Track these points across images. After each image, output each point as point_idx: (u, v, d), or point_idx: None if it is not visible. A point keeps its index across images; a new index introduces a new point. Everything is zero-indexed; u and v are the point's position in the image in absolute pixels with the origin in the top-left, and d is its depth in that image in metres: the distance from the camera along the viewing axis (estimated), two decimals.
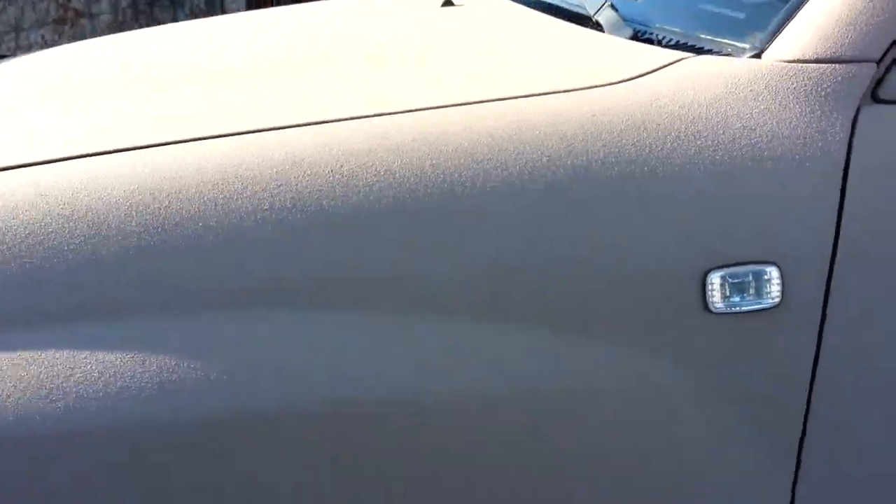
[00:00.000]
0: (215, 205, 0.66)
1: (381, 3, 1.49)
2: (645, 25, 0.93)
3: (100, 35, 6.59)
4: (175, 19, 8.55)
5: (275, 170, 0.67)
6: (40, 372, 0.63)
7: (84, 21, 6.57)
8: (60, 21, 6.15)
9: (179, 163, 0.69)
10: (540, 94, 0.73)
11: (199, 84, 0.91)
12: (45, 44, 5.93)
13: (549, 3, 1.22)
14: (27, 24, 5.69)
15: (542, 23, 1.05)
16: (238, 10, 10.68)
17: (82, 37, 6.48)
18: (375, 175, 0.67)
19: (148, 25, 7.70)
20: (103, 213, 0.66)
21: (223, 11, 9.99)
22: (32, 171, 0.70)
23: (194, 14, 9.21)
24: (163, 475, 0.64)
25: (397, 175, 0.67)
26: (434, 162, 0.68)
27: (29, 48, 5.71)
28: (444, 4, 1.23)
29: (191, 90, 0.89)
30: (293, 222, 0.66)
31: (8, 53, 5.54)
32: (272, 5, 7.53)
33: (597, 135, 0.69)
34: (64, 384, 0.63)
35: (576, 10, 1.11)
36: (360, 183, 0.67)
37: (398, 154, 0.69)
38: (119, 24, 7.19)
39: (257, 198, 0.66)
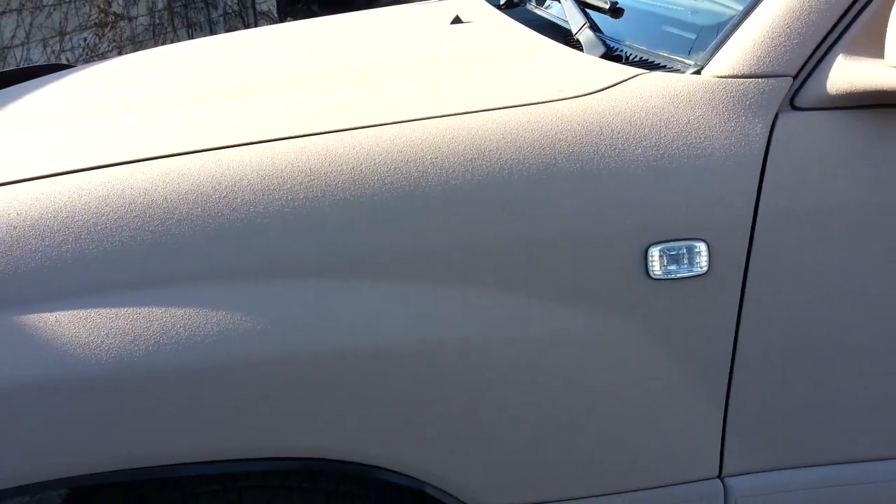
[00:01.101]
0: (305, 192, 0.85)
1: (400, 17, 1.67)
2: (616, 43, 1.10)
3: (139, 36, 6.83)
4: (209, 20, 8.83)
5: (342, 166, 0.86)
6: (172, 320, 0.83)
7: (123, 24, 6.83)
8: (102, 24, 6.41)
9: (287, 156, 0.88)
10: (521, 105, 0.91)
11: (265, 93, 1.10)
12: (88, 46, 6.19)
13: (544, 21, 1.40)
14: (70, 27, 5.96)
15: (534, 41, 1.22)
16: (269, 9, 10.92)
17: (122, 39, 6.75)
18: (401, 166, 0.86)
19: (183, 27, 7.97)
20: (223, 199, 0.85)
21: (254, 11, 10.24)
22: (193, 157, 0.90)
23: (227, 15, 9.48)
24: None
25: (411, 166, 0.86)
26: (434, 158, 0.87)
27: (72, 50, 5.98)
28: (454, 21, 1.41)
29: (274, 98, 1.07)
30: (349, 209, 0.85)
31: (70, 62, 5.82)
32: (302, 4, 7.74)
33: (563, 137, 0.87)
34: (183, 329, 0.83)
35: (563, 26, 1.28)
36: (392, 176, 0.85)
37: (409, 153, 0.87)
38: (156, 26, 7.47)
39: (337, 188, 0.85)
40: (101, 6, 6.44)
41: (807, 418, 0.92)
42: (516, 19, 1.44)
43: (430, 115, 0.91)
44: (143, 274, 0.85)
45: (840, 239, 0.86)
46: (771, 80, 0.87)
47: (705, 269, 0.85)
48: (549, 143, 0.86)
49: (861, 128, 0.86)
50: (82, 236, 0.86)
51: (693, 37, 0.99)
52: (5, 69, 2.03)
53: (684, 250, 0.85)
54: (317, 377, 0.85)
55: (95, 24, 6.30)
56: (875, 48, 0.84)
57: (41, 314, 0.85)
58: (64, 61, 5.84)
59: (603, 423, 0.90)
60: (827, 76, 0.85)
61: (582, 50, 1.10)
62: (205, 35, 8.68)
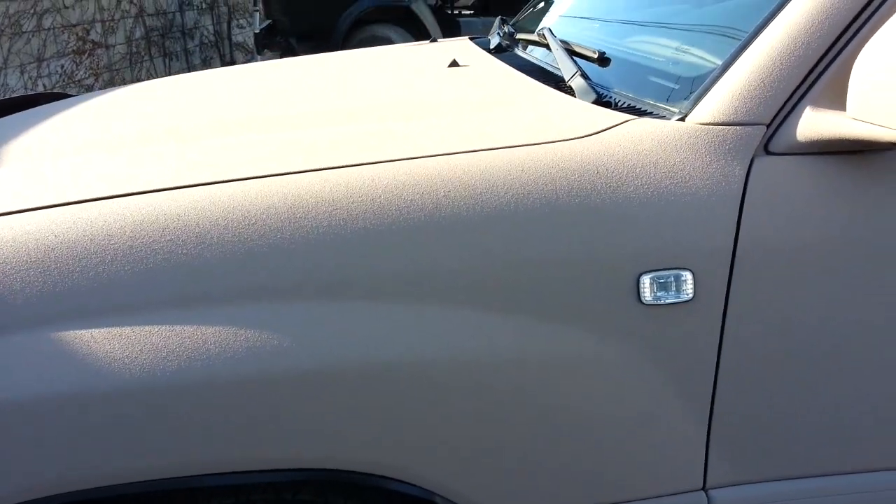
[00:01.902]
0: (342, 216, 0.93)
1: (398, 59, 1.76)
2: (605, 90, 1.21)
3: (116, 64, 6.86)
4: (185, 50, 8.89)
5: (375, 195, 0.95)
6: (203, 337, 0.89)
7: (100, 52, 6.87)
8: (79, 52, 6.44)
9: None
10: (524, 145, 1.00)
11: (287, 126, 1.18)
12: (65, 73, 6.21)
13: (538, 67, 1.51)
14: (49, 54, 5.98)
15: (529, 85, 1.32)
16: (244, 40, 10.98)
17: (99, 66, 6.77)
18: (417, 198, 0.94)
19: (159, 56, 8.02)
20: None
21: (230, 42, 10.32)
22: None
23: (203, 45, 9.55)
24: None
25: (431, 199, 0.94)
26: (446, 192, 0.95)
27: (49, 77, 5.99)
28: (451, 65, 1.51)
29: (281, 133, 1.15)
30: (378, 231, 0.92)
31: (48, 88, 5.82)
32: (280, 38, 7.85)
33: (563, 175, 0.96)
34: (213, 346, 0.89)
35: (558, 74, 1.39)
36: (409, 207, 0.94)
37: (424, 186, 0.95)
38: (132, 55, 7.51)
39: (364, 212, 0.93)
40: (80, 34, 6.47)
41: (785, 432, 1.01)
42: (507, 64, 1.54)
43: (441, 153, 1.00)
44: (175, 294, 0.92)
45: (810, 268, 0.96)
46: (747, 128, 0.97)
47: (691, 295, 0.94)
48: (551, 180, 0.95)
49: (828, 171, 0.96)
50: (118, 258, 0.92)
51: (676, 87, 1.09)
52: (6, 97, 2.08)
53: (672, 278, 0.94)
54: (336, 393, 0.92)
55: (73, 51, 6.33)
56: (838, 101, 0.95)
57: (77, 331, 0.91)
58: (41, 87, 5.85)
59: (596, 437, 0.98)
60: (797, 125, 0.96)
61: (574, 95, 1.20)
62: (181, 64, 8.74)
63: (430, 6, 7.67)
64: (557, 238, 0.94)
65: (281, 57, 8.31)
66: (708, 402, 0.98)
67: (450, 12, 8.13)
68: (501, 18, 2.13)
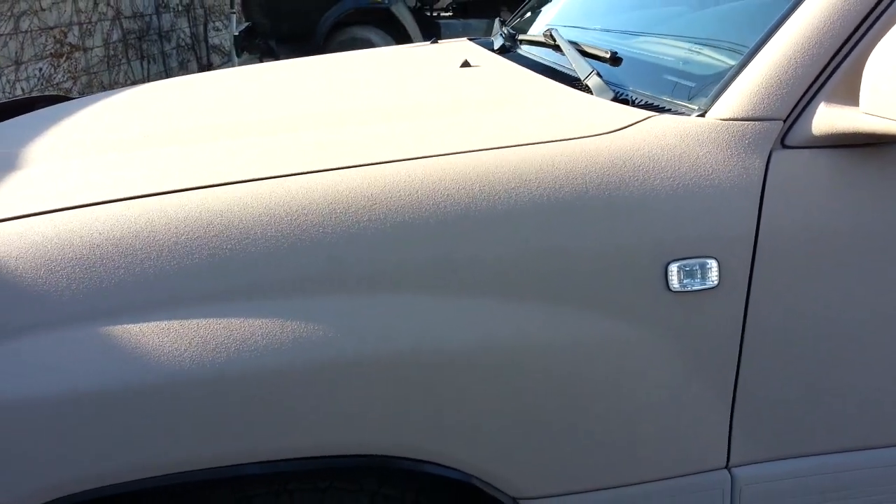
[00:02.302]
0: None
1: (407, 58, 1.79)
2: (621, 88, 1.25)
3: (94, 67, 6.80)
4: (163, 52, 8.82)
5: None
6: (249, 329, 0.92)
7: (78, 54, 6.80)
8: (57, 55, 6.37)
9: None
10: (553, 141, 1.04)
11: (319, 125, 1.20)
12: (43, 77, 6.14)
13: (547, 66, 1.55)
14: (26, 57, 5.91)
15: (545, 84, 1.36)
16: (220, 42, 10.92)
17: (77, 69, 6.71)
18: (453, 193, 0.98)
19: (137, 59, 7.95)
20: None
21: (207, 44, 10.26)
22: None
23: (180, 48, 9.49)
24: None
25: (466, 193, 0.98)
26: (481, 186, 0.99)
27: (27, 80, 5.92)
28: (463, 65, 1.55)
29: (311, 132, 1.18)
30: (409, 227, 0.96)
31: (26, 92, 5.75)
32: (259, 40, 7.83)
33: (593, 169, 1.00)
34: (260, 337, 0.92)
35: (569, 73, 1.43)
36: (446, 201, 0.97)
37: (460, 181, 0.99)
38: (110, 58, 7.44)
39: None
40: (57, 37, 6.40)
41: (805, 412, 1.06)
42: (517, 64, 1.58)
43: (474, 149, 1.03)
44: (221, 287, 0.94)
45: (826, 255, 1.01)
46: (765, 123, 1.02)
47: (716, 282, 0.99)
48: (581, 174, 1.00)
49: (841, 163, 1.01)
50: (163, 254, 0.95)
51: (692, 84, 1.14)
52: (6, 100, 2.07)
53: (698, 266, 0.99)
54: (379, 381, 0.95)
55: (51, 54, 6.26)
56: (852, 97, 1.00)
57: (125, 325, 0.93)
58: (19, 91, 5.78)
59: (625, 419, 1.02)
60: (812, 120, 1.01)
61: (591, 94, 1.25)
62: (158, 67, 8.67)
63: (409, 8, 7.70)
64: (589, 229, 0.98)
65: (260, 59, 8.29)
66: (731, 383, 1.03)
67: (429, 14, 8.18)
68: (500, 20, 2.18)
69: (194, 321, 0.93)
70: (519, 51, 1.82)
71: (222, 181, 1.01)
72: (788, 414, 1.06)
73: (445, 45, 2.11)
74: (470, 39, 2.21)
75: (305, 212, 0.97)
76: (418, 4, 7.91)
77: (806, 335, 1.03)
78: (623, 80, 1.28)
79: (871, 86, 0.92)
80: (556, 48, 1.55)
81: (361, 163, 1.02)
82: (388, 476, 1.12)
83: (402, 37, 7.73)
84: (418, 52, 1.94)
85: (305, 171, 1.01)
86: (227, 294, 0.94)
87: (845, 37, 1.00)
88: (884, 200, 1.01)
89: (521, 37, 1.88)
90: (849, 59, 1.01)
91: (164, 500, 1.10)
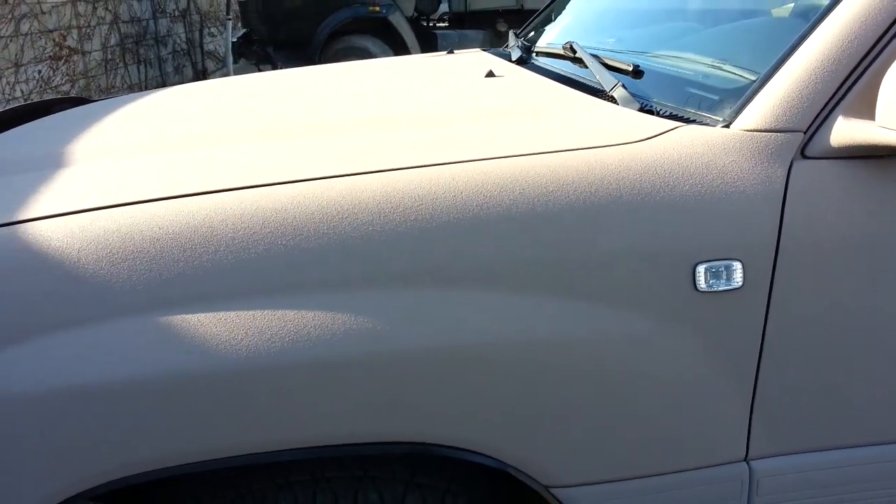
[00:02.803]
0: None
1: (431, 67, 1.85)
2: (645, 100, 1.32)
3: (92, 70, 6.80)
4: (159, 57, 8.84)
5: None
6: (302, 321, 0.96)
7: (77, 58, 6.82)
8: (56, 58, 6.39)
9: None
10: (588, 148, 1.10)
11: (363, 129, 1.26)
12: (42, 79, 6.16)
13: (567, 77, 1.61)
14: (26, 59, 5.93)
15: (569, 94, 1.43)
16: (215, 48, 10.95)
17: (75, 73, 6.72)
18: (495, 195, 1.03)
19: (134, 63, 7.97)
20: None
21: (202, 50, 10.29)
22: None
23: (176, 53, 9.51)
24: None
25: (507, 196, 1.03)
26: (521, 189, 1.04)
27: (27, 82, 5.93)
28: (488, 75, 1.61)
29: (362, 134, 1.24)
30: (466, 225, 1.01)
31: (24, 94, 5.74)
32: (257, 46, 7.87)
33: (626, 175, 1.06)
34: (312, 329, 0.97)
35: (591, 84, 1.49)
36: (488, 203, 1.03)
37: (501, 185, 1.04)
38: (108, 62, 7.46)
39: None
40: (56, 40, 6.42)
41: (822, 408, 1.12)
42: (539, 75, 1.64)
43: (513, 154, 1.09)
44: (275, 281, 0.99)
45: (843, 259, 1.07)
46: (787, 135, 1.09)
47: (741, 283, 1.05)
48: (615, 180, 1.06)
49: (858, 174, 1.08)
50: (221, 248, 1.00)
51: (716, 97, 1.20)
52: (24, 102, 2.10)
53: (724, 268, 1.05)
54: (424, 373, 1.00)
55: (50, 57, 6.28)
56: (868, 111, 1.07)
57: (184, 315, 0.98)
58: (18, 93, 5.79)
59: (652, 412, 1.08)
60: (830, 132, 1.07)
61: (617, 104, 1.31)
62: (154, 72, 8.69)
63: (407, 18, 7.78)
64: (622, 231, 1.04)
65: (257, 66, 8.34)
66: (752, 380, 1.09)
67: (426, 25, 8.26)
68: (514, 32, 2.24)
69: (249, 313, 0.98)
70: (535, 62, 1.88)
71: (275, 181, 1.06)
72: (806, 410, 1.12)
73: (462, 55, 2.17)
74: (483, 50, 2.28)
75: (354, 211, 1.02)
76: (415, 15, 7.99)
77: (824, 335, 1.09)
78: (646, 91, 1.35)
79: (886, 101, 0.99)
80: (577, 60, 1.61)
81: (406, 166, 1.07)
82: (421, 466, 1.17)
83: (398, 46, 7.81)
84: (440, 62, 2.00)
85: (353, 172, 1.07)
86: (279, 288, 0.99)
87: (863, 54, 1.07)
88: None
89: (538, 48, 1.94)
90: (866, 75, 1.07)
91: (207, 487, 1.14)
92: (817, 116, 1.08)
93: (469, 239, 1.02)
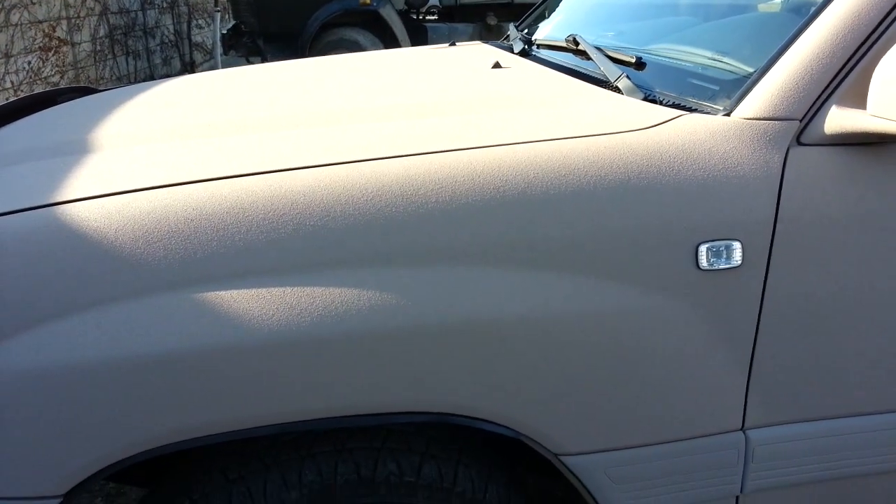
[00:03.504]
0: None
1: (439, 58, 1.91)
2: (649, 90, 1.38)
3: (81, 62, 6.78)
4: (147, 49, 8.82)
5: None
6: (331, 296, 1.02)
7: (66, 49, 6.80)
8: (46, 49, 6.37)
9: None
10: (597, 135, 1.16)
11: (380, 117, 1.31)
12: (32, 70, 6.14)
13: (569, 69, 1.67)
14: (16, 50, 5.91)
15: (576, 84, 1.49)
16: (203, 40, 10.90)
17: (65, 64, 6.70)
18: (511, 178, 1.09)
19: (122, 54, 7.95)
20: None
21: (190, 41, 10.25)
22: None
23: (164, 44, 9.48)
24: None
25: (522, 179, 1.09)
26: (535, 173, 1.10)
27: (17, 73, 5.92)
28: (494, 66, 1.66)
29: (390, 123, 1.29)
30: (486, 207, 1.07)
31: (15, 85, 5.72)
32: (247, 38, 7.87)
33: (633, 160, 1.13)
34: (341, 303, 1.02)
35: (594, 75, 1.56)
36: (504, 186, 1.09)
37: (516, 168, 1.11)
38: (97, 53, 7.44)
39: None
40: (46, 31, 6.40)
41: (816, 379, 1.19)
42: (544, 66, 1.70)
43: (527, 140, 1.15)
44: (303, 259, 1.05)
45: (835, 239, 1.14)
46: (784, 123, 1.15)
47: (740, 262, 1.12)
48: (623, 164, 1.12)
49: (850, 160, 1.15)
50: (251, 228, 1.05)
51: (716, 87, 1.27)
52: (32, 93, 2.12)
53: (724, 248, 1.11)
54: (444, 346, 1.06)
55: (40, 48, 6.26)
56: (860, 101, 1.14)
57: (216, 291, 1.03)
58: (9, 84, 5.78)
59: (656, 383, 1.15)
60: (825, 121, 1.14)
61: (621, 93, 1.37)
62: (143, 63, 8.67)
63: (397, 11, 7.81)
64: (630, 213, 1.10)
65: (246, 58, 8.34)
66: (749, 353, 1.16)
67: (416, 18, 8.29)
68: (515, 25, 2.30)
69: (279, 289, 1.04)
70: (538, 54, 1.95)
71: (302, 165, 1.11)
72: (800, 382, 1.19)
73: (466, 47, 2.23)
74: (484, 43, 2.33)
75: (378, 193, 1.08)
76: (405, 8, 8.02)
77: (817, 311, 1.16)
78: (649, 82, 1.41)
79: (877, 91, 1.06)
80: (580, 53, 1.67)
81: (427, 151, 1.13)
82: (434, 439, 1.23)
83: (389, 39, 7.84)
84: (446, 53, 2.06)
85: (377, 157, 1.12)
86: (307, 265, 1.04)
87: (855, 47, 1.14)
88: (886, 193, 1.15)
89: (539, 41, 2.00)
90: (858, 67, 1.14)
91: (233, 460, 1.19)
92: (812, 106, 1.15)
93: (486, 220, 1.08)
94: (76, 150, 1.31)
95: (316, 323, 1.03)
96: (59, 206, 1.07)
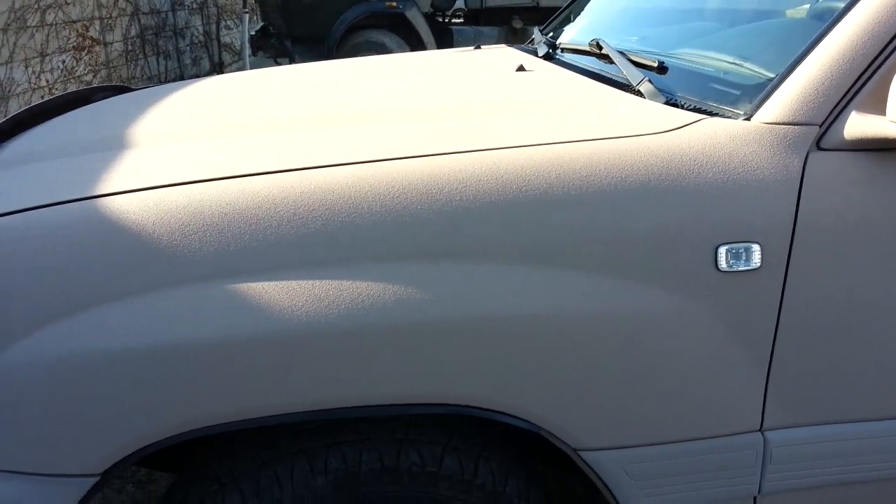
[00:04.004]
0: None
1: (467, 62, 1.94)
2: (670, 94, 1.40)
3: (113, 61, 6.90)
4: (177, 49, 8.95)
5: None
6: (359, 290, 1.06)
7: (98, 48, 6.93)
8: (79, 48, 6.50)
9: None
10: (620, 137, 1.19)
11: (407, 118, 1.35)
12: (65, 69, 6.27)
13: (593, 72, 1.70)
14: (51, 49, 6.04)
15: (599, 88, 1.51)
16: (231, 41, 11.03)
17: (97, 63, 6.83)
18: (533, 179, 1.12)
19: (153, 54, 8.08)
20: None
21: (219, 42, 10.38)
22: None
23: (193, 45, 9.61)
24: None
25: (544, 180, 1.12)
26: (557, 174, 1.13)
27: (51, 72, 6.05)
28: (518, 69, 1.70)
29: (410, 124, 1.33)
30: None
31: (49, 83, 5.86)
32: (274, 40, 7.96)
33: (654, 162, 1.15)
34: (367, 297, 1.06)
35: (617, 79, 1.58)
36: (527, 186, 1.12)
37: (539, 169, 1.13)
38: (128, 53, 7.58)
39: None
40: (80, 30, 6.54)
41: (834, 383, 1.21)
42: (567, 70, 1.73)
43: (549, 142, 1.18)
44: (331, 254, 1.08)
45: (854, 243, 1.16)
46: (804, 128, 1.17)
47: (759, 264, 1.14)
48: (644, 166, 1.14)
49: (869, 165, 1.16)
50: (283, 223, 1.09)
51: (737, 92, 1.29)
52: (66, 92, 2.18)
53: (743, 250, 1.14)
54: (466, 340, 1.09)
55: (74, 47, 6.40)
56: (880, 107, 1.15)
57: (248, 283, 1.07)
58: (43, 82, 5.91)
59: (674, 382, 1.17)
60: (844, 126, 1.16)
61: (643, 97, 1.40)
62: (173, 63, 8.80)
63: (423, 14, 7.87)
64: (650, 214, 1.13)
65: (274, 59, 8.44)
66: (768, 355, 1.18)
67: (441, 20, 8.34)
68: (539, 29, 2.33)
69: (308, 282, 1.08)
70: (561, 58, 1.97)
71: (331, 163, 1.15)
72: (818, 384, 1.20)
73: (490, 50, 2.26)
74: (509, 46, 2.36)
75: (404, 192, 1.11)
76: (431, 11, 8.07)
77: (836, 314, 1.17)
78: (670, 87, 1.43)
79: None
80: (603, 57, 1.70)
81: (452, 151, 1.16)
82: (456, 432, 1.26)
83: (415, 42, 7.89)
84: (471, 56, 2.09)
85: (404, 156, 1.16)
86: (336, 260, 1.08)
87: (875, 54, 1.15)
88: None
89: (563, 45, 2.03)
90: (878, 73, 1.16)
91: (260, 448, 1.24)
92: (832, 111, 1.17)
93: (509, 219, 1.11)
94: (113, 146, 1.36)
95: (343, 315, 1.07)
96: (98, 199, 1.12)
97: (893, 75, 1.15)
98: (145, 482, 2.42)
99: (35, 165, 1.30)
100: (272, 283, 1.07)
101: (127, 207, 1.11)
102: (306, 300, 1.07)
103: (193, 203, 1.11)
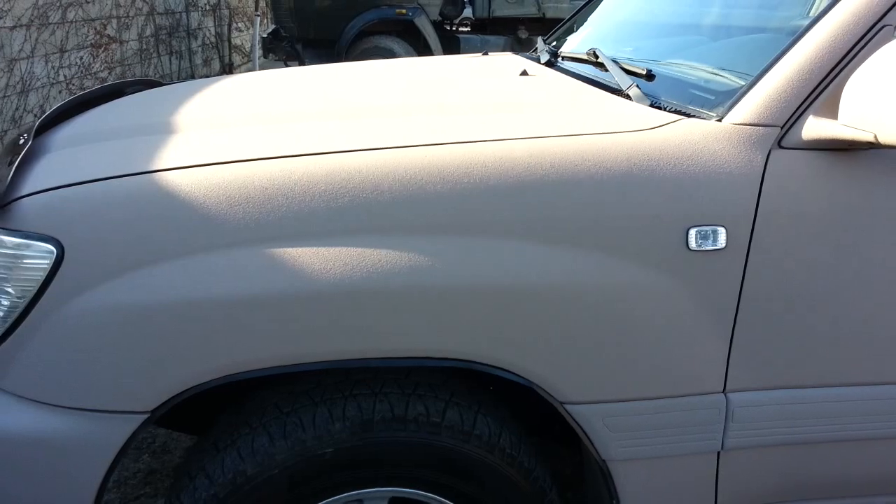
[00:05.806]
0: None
1: (476, 66, 2.12)
2: (655, 98, 1.58)
3: (128, 59, 7.07)
4: (189, 49, 9.13)
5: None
6: (384, 256, 1.24)
7: (115, 46, 7.12)
8: (96, 45, 6.70)
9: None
10: (607, 133, 1.37)
11: (431, 112, 1.54)
12: (83, 65, 6.46)
13: (588, 78, 1.88)
14: (70, 46, 6.24)
15: (592, 91, 1.70)
16: (241, 43, 11.19)
17: (113, 60, 7.02)
18: (536, 165, 1.30)
19: (166, 54, 8.26)
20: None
21: (230, 44, 10.55)
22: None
23: (205, 45, 9.79)
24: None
25: (539, 167, 1.30)
26: (552, 162, 1.31)
27: (69, 67, 6.24)
28: (522, 74, 1.88)
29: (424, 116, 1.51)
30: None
31: (67, 78, 6.03)
32: (286, 43, 8.14)
33: (637, 154, 1.33)
34: (389, 261, 1.24)
35: (610, 84, 1.77)
36: (527, 171, 1.30)
37: (538, 157, 1.31)
38: (142, 51, 7.77)
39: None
40: (98, 28, 6.74)
41: (790, 351, 1.38)
42: (566, 75, 1.91)
43: (547, 135, 1.36)
44: (358, 225, 1.26)
45: (807, 229, 1.33)
46: (767, 129, 1.35)
47: (724, 244, 1.31)
48: (627, 158, 1.32)
49: (823, 162, 1.34)
50: (315, 197, 1.27)
51: (712, 97, 1.47)
52: (105, 84, 2.36)
53: (711, 232, 1.31)
54: (474, 304, 1.27)
55: (91, 44, 6.59)
56: (833, 112, 1.33)
57: (285, 248, 1.25)
58: (62, 78, 6.10)
59: (649, 346, 1.34)
60: (802, 128, 1.34)
61: (631, 100, 1.58)
62: (185, 63, 8.99)
63: (431, 22, 8.07)
64: (632, 199, 1.30)
65: (285, 62, 8.65)
66: (731, 324, 1.35)
67: (449, 29, 8.54)
68: (543, 39, 2.51)
69: (337, 249, 1.25)
70: (561, 65, 2.16)
71: (361, 147, 1.33)
72: (775, 352, 1.38)
73: (498, 56, 2.45)
74: (514, 54, 2.55)
75: (425, 174, 1.29)
76: (440, 19, 8.27)
77: (791, 291, 1.35)
78: (656, 91, 1.62)
79: (847, 104, 1.25)
80: (599, 65, 1.88)
81: (461, 140, 1.35)
82: (456, 390, 1.44)
83: (423, 49, 8.09)
84: (480, 61, 2.27)
85: (423, 143, 1.34)
86: (360, 230, 1.26)
87: (831, 67, 1.34)
88: (853, 191, 1.34)
89: (563, 53, 2.21)
90: (833, 83, 1.34)
91: (286, 398, 1.41)
92: (793, 115, 1.35)
93: (510, 200, 1.29)
94: (158, 130, 1.54)
95: (365, 278, 1.24)
96: (155, 173, 1.30)
97: (844, 85, 1.33)
98: (160, 452, 2.59)
99: (99, 144, 1.48)
100: (305, 249, 1.25)
101: (181, 181, 1.28)
102: (334, 263, 1.25)
103: (239, 179, 1.28)
